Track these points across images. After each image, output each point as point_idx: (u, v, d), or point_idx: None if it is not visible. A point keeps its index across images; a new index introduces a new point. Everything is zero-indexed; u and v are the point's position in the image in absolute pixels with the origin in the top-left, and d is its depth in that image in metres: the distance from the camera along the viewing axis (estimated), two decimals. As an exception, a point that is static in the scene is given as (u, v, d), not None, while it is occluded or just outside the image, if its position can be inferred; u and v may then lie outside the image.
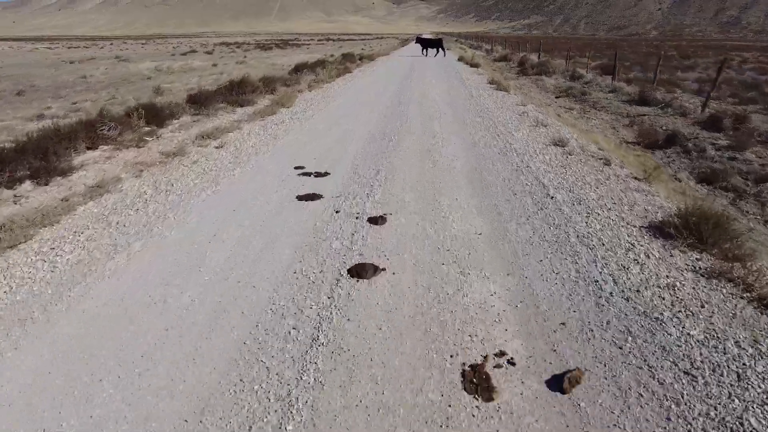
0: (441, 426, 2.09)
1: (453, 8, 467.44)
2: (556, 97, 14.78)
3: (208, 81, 17.59)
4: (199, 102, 9.35)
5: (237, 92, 10.81)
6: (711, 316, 2.82)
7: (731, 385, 2.32)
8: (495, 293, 3.07)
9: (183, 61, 28.91)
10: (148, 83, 17.37)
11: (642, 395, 2.25)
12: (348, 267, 3.36)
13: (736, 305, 2.92)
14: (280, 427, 2.08)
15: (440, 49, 34.34)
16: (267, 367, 2.42)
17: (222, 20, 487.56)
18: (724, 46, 62.16)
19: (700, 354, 2.50)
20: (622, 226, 4.09)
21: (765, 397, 2.24)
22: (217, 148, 6.78)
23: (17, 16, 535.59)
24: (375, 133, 7.74)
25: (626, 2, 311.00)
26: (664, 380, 2.34)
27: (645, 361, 2.46)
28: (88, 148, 6.31)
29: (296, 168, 5.77)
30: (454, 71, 19.96)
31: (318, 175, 5.44)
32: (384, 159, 6.16)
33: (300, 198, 4.65)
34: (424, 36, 44.11)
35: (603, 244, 3.73)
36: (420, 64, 24.91)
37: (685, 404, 2.21)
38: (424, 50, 34.91)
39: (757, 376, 2.36)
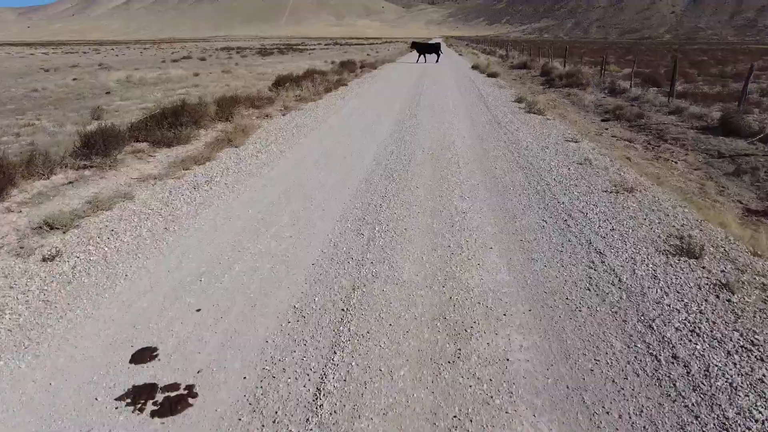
0: None
1: (463, 12, 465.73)
2: (603, 120, 11.45)
3: (173, 97, 14.56)
4: (99, 145, 6.20)
5: (173, 123, 7.66)
6: None
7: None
8: None
9: (166, 69, 25.93)
10: (103, 100, 14.39)
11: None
12: None
13: None
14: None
15: (437, 54, 30.99)
16: None
17: (234, 24, 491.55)
18: (750, 50, 57.89)
19: None
20: None
21: None
22: (44, 261, 3.58)
23: (32, 21, 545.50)
24: (348, 216, 4.47)
25: (639, 5, 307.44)
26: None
27: None
28: None
29: (135, 361, 2.49)
30: (470, 83, 16.67)
31: (165, 410, 2.15)
32: (352, 317, 2.88)
33: None
34: (432, 41, 40.50)
35: None
36: (428, 74, 21.64)
37: None
38: (421, 56, 31.54)
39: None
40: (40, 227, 4.15)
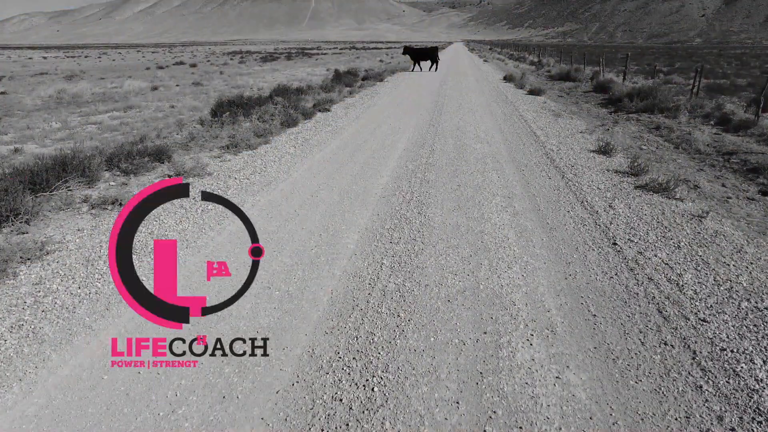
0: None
1: (484, 16, 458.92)
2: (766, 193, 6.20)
3: (74, 130, 9.91)
4: None
5: None
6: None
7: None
8: None
9: (130, 81, 21.45)
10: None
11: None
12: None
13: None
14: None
15: (434, 61, 25.65)
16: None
17: (256, 28, 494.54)
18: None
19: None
20: None
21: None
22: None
23: (62, 26, 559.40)
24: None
25: (667, 9, 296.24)
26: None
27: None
28: None
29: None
30: (510, 107, 11.38)
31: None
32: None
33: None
34: (449, 44, 35.38)
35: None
36: (447, 91, 16.19)
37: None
38: (416, 64, 26.55)
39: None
40: None
